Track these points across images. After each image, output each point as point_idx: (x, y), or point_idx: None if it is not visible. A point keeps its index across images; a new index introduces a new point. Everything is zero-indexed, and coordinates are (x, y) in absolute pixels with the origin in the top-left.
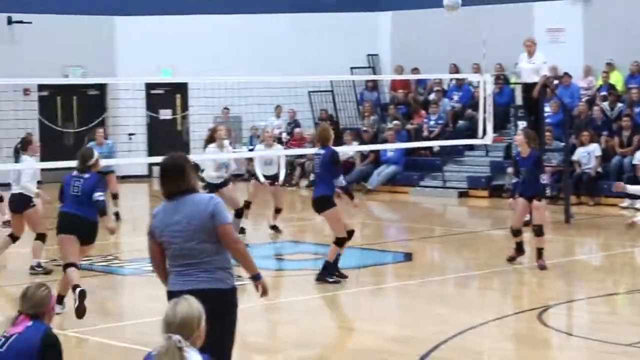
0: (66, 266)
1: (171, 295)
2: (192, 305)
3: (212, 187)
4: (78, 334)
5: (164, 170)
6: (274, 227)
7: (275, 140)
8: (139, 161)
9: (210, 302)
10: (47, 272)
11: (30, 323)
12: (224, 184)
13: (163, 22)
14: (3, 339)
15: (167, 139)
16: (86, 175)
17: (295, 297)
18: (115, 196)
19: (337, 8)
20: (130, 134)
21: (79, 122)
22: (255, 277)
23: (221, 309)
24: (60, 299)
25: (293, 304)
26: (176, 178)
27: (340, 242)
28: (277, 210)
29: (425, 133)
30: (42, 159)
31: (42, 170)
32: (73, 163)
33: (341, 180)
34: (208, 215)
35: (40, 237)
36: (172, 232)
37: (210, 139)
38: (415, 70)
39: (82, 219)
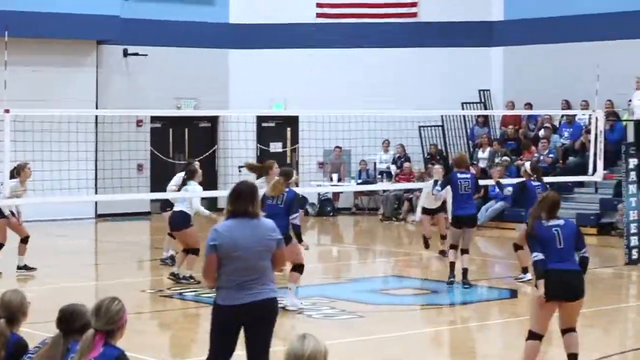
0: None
1: (227, 309)
2: (318, 341)
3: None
4: None
5: (239, 192)
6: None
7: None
8: None
9: (270, 310)
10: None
11: (102, 349)
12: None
13: (275, 55)
14: None
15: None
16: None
17: (402, 332)
18: None
19: (448, 43)
20: (240, 167)
21: (190, 154)
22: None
23: (275, 315)
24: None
25: (399, 338)
26: (248, 201)
27: None
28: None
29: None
30: (152, 190)
31: (152, 201)
32: (182, 194)
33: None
34: (274, 240)
35: (194, 251)
36: (244, 249)
37: None
38: (527, 106)
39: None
